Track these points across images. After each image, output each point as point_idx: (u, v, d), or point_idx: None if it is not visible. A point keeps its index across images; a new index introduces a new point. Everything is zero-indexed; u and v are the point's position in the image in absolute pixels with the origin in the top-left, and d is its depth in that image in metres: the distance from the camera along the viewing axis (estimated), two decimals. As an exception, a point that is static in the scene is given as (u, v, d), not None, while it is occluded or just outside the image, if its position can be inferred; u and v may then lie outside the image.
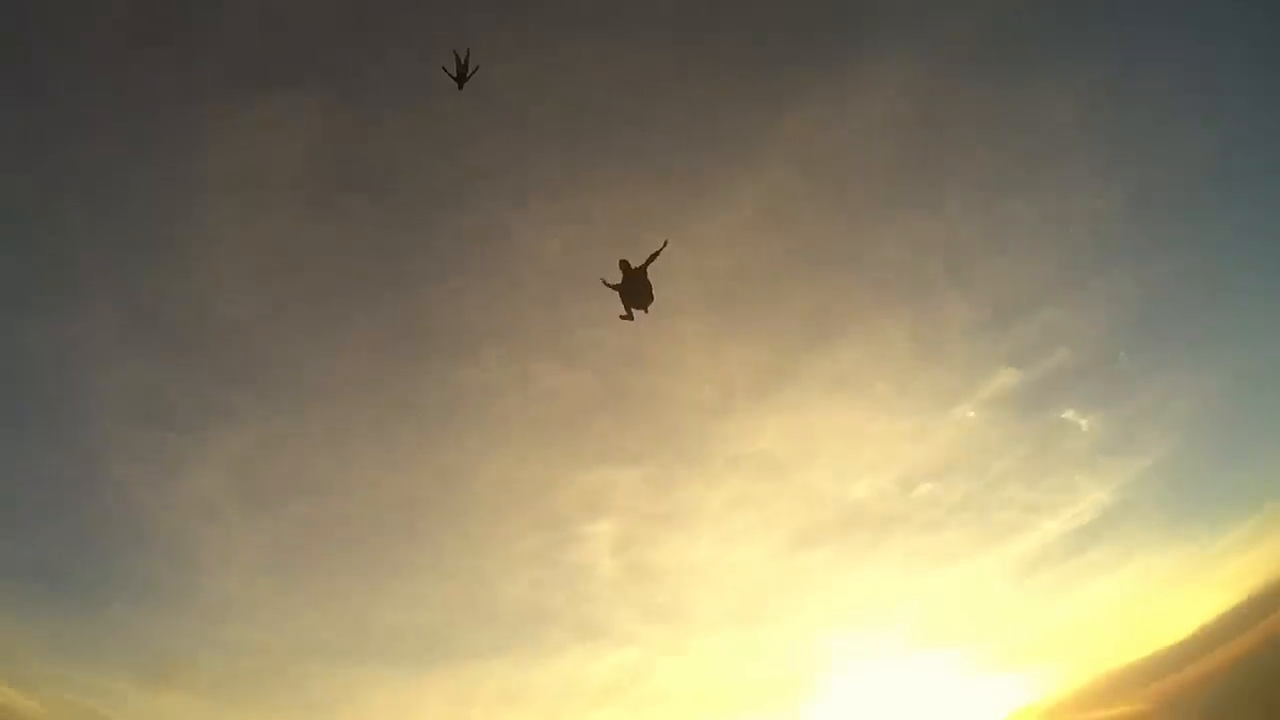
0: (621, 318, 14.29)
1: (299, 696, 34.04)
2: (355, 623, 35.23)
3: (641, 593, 36.39)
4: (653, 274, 13.90)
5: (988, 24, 30.44)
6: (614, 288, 14.12)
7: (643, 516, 36.26)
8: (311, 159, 30.97)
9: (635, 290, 13.90)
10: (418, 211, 32.41)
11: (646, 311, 14.19)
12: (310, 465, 34.95)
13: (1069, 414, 34.68)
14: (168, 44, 27.41)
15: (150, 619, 32.57)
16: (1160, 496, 34.85)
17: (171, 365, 32.61)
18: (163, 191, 29.25)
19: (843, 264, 34.61)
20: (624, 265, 13.82)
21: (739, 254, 32.94)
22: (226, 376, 33.04)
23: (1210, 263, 33.90)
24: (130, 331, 31.72)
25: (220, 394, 33.33)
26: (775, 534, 36.22)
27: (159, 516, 33.02)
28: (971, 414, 34.99)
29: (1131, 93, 31.82)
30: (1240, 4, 30.72)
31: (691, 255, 13.70)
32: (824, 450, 36.63)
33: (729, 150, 31.53)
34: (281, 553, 34.77)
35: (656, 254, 13.53)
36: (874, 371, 35.51)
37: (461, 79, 16.45)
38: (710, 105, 30.33)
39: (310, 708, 34.07)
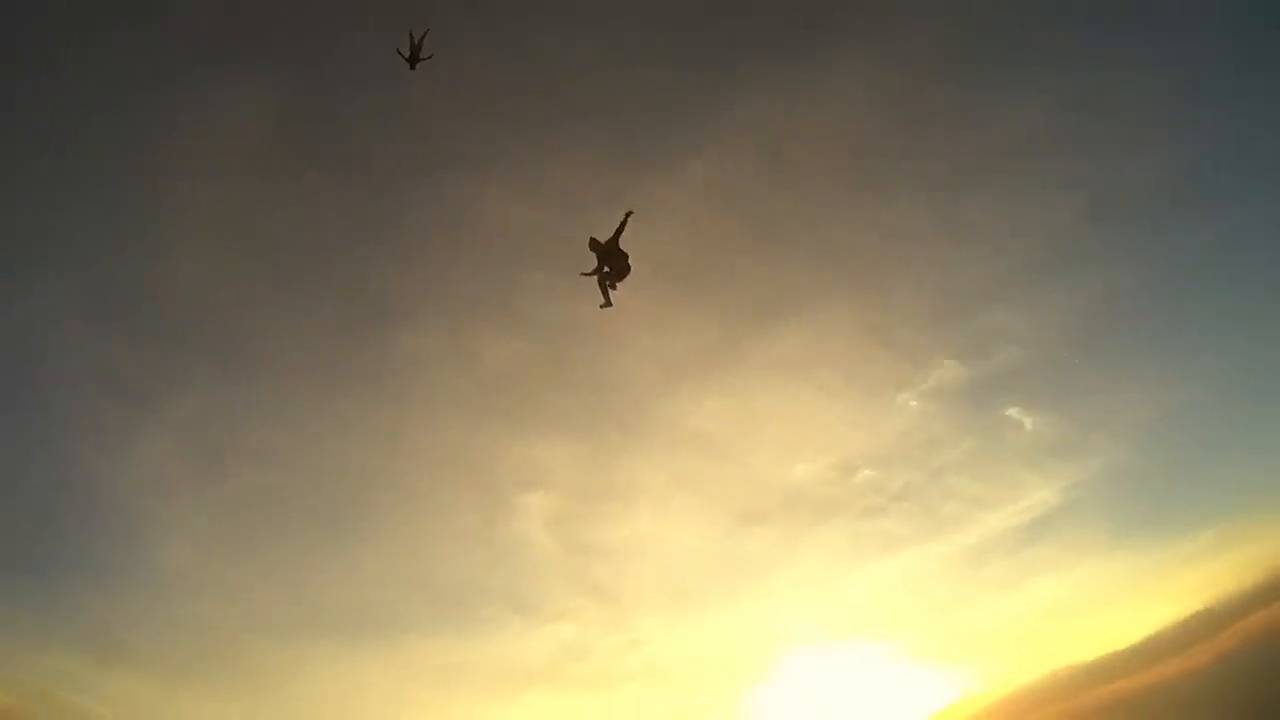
0: (602, 307, 13.98)
1: (245, 672, 33.95)
2: (298, 596, 35.15)
3: (579, 569, 36.20)
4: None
5: (958, 26, 30.95)
6: (592, 274, 13.77)
7: (581, 491, 36.23)
8: (264, 132, 30.80)
9: (612, 263, 13.61)
10: (368, 183, 32.22)
11: (620, 281, 13.89)
12: (258, 433, 34.74)
13: (1013, 411, 34.91)
14: (128, 17, 27.36)
15: (100, 595, 32.35)
16: (1108, 502, 35.16)
17: (122, 334, 32.51)
18: (116, 163, 29.23)
19: (793, 247, 34.61)
20: (594, 242, 13.50)
21: (690, 230, 32.55)
22: (177, 345, 32.97)
23: (1168, 276, 34.70)
24: (81, 301, 31.53)
25: (170, 362, 33.14)
26: (714, 514, 36.31)
27: (109, 488, 32.82)
28: (915, 404, 35.02)
29: (1099, 104, 32.10)
30: (1208, 21, 31.13)
31: (641, 229, 13.21)
32: (766, 432, 36.61)
33: (685, 127, 31.62)
34: (229, 524, 34.38)
35: (623, 224, 13.18)
36: (819, 355, 35.62)
37: (414, 60, 16.23)
38: (668, 83, 30.46)
39: (256, 683, 33.98)
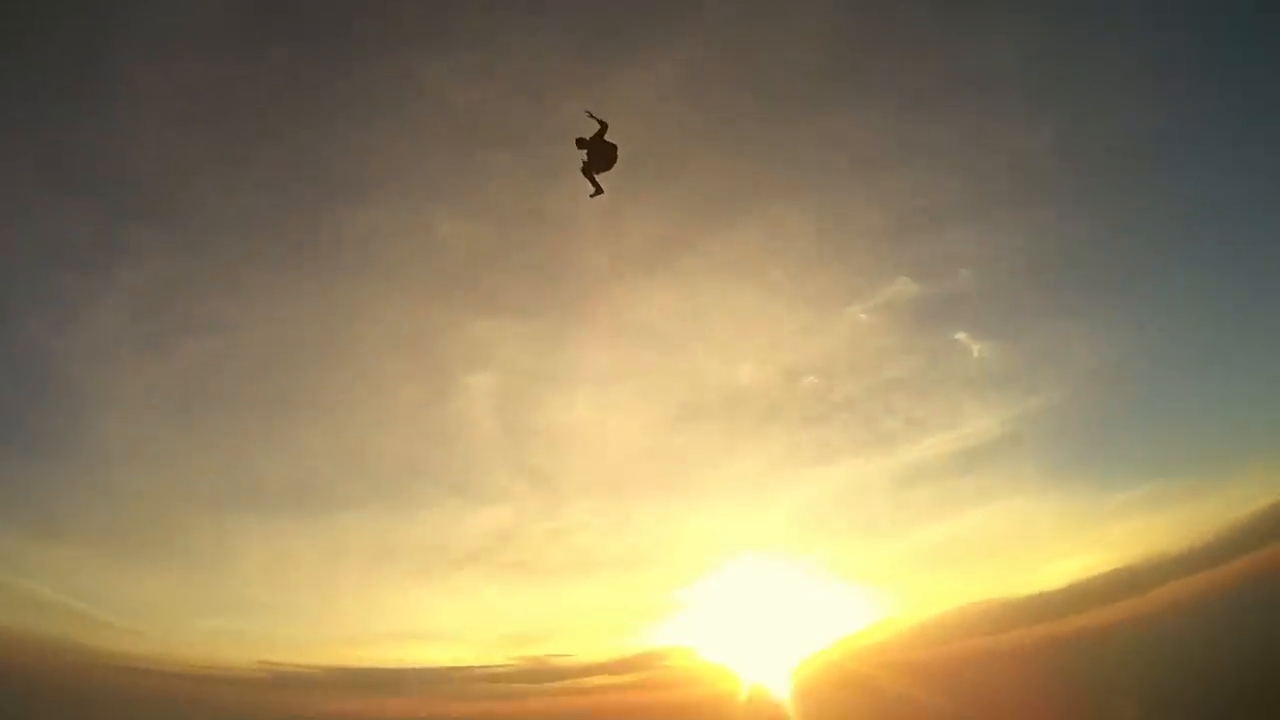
0: (593, 196, 13.73)
1: (182, 545, 34.98)
2: (238, 469, 35.99)
3: (518, 453, 36.59)
4: (567, 134, 13.46)
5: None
6: (587, 144, 13.32)
7: (526, 374, 36.27)
8: (221, 6, 30.01)
9: (601, 152, 13.34)
10: (327, 59, 31.78)
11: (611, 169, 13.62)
12: (205, 305, 34.86)
13: (962, 336, 34.87)
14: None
15: (40, 471, 33.06)
16: (1048, 441, 35.76)
17: (73, 203, 32.21)
18: (69, 34, 28.41)
19: (754, 151, 33.98)
20: (580, 141, 13.27)
21: (651, 123, 31.43)
22: (128, 215, 32.92)
23: (1127, 225, 34.52)
24: (33, 170, 31.10)
25: (121, 232, 33.07)
26: (655, 407, 36.96)
27: (53, 360, 33.04)
28: (864, 317, 35.08)
29: (1074, 43, 31.66)
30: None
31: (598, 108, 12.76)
32: (713, 330, 36.72)
33: (655, 24, 30.74)
34: (172, 397, 34.74)
35: (603, 128, 12.99)
36: (772, 259, 35.50)
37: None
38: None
39: (193, 556, 35.06)
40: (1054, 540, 34.44)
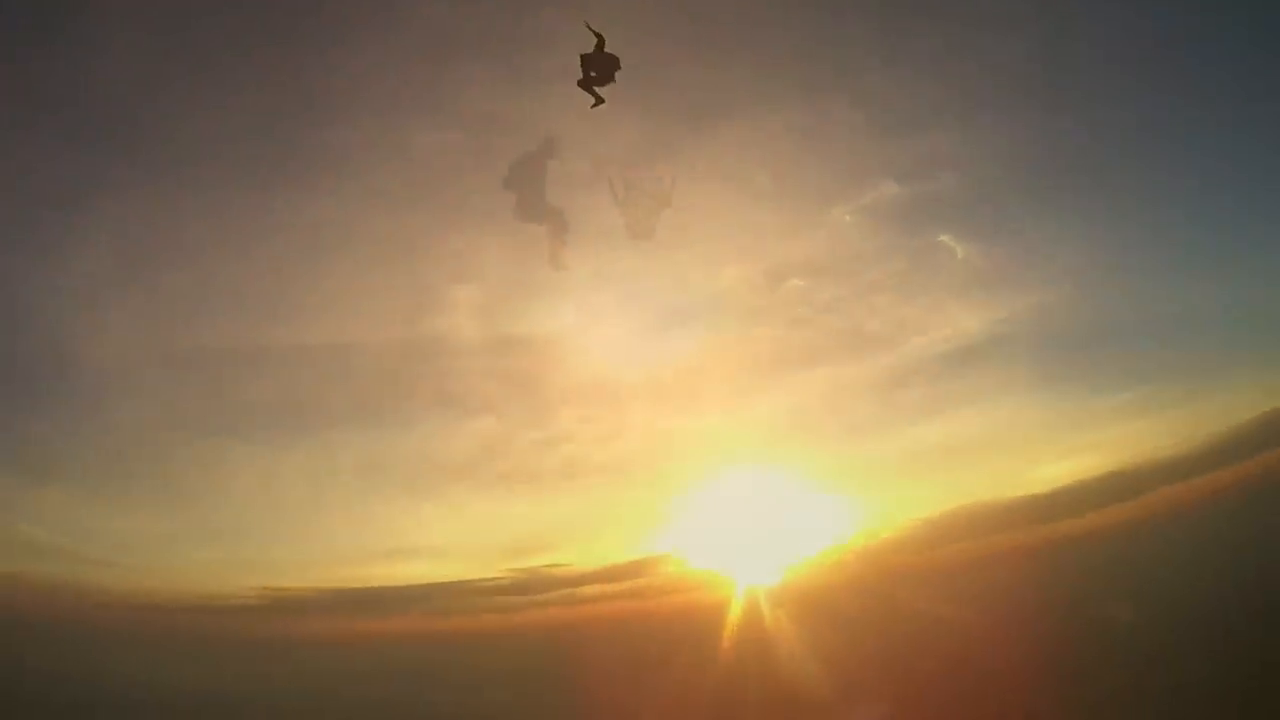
0: (594, 107, 13.27)
1: (171, 477, 35.22)
2: (222, 395, 35.33)
3: (503, 363, 35.93)
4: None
5: None
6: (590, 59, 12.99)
7: (509, 284, 34.97)
8: None
9: (602, 65, 12.97)
10: None
11: (615, 80, 13.30)
12: (185, 231, 33.24)
13: (946, 238, 34.58)
14: None
15: (29, 411, 33.12)
16: (1039, 342, 36.13)
17: (46, 137, 30.54)
18: None
19: (734, 52, 31.83)
20: (584, 58, 12.91)
21: (630, 27, 29.14)
22: (103, 145, 31.02)
23: (1115, 130, 33.89)
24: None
25: (97, 163, 31.56)
26: (640, 313, 35.75)
27: (34, 300, 32.05)
28: (849, 219, 34.48)
29: None
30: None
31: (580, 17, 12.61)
32: (695, 233, 36.12)
33: None
34: (155, 326, 33.76)
35: (600, 41, 12.72)
36: (754, 161, 34.10)
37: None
38: None
39: (184, 487, 35.46)
40: (1044, 443, 34.93)
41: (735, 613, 34.74)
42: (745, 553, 36.39)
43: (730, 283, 35.35)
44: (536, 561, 36.74)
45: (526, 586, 36.44)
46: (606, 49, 12.44)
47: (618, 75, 12.95)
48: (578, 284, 34.88)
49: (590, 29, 12.37)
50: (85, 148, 31.02)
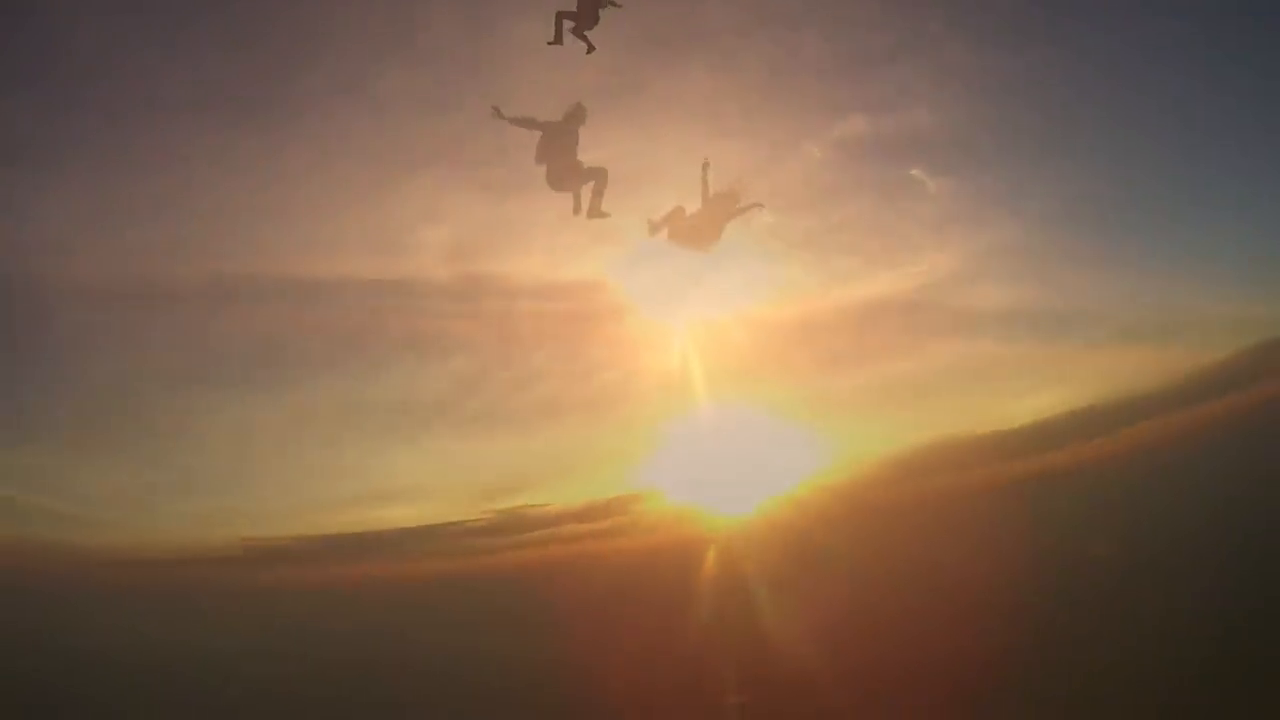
0: (550, 43, 10.47)
1: (148, 430, 35.87)
2: (193, 346, 35.33)
3: (474, 304, 36.19)
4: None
5: None
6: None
7: (478, 225, 35.24)
8: None
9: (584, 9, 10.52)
10: None
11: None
12: (150, 182, 32.70)
13: (917, 172, 34.46)
14: None
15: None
16: (1013, 278, 37.07)
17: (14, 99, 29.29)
18: None
19: None
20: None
21: None
22: (63, 103, 30.30)
23: (1089, 66, 34.46)
24: None
25: (59, 122, 30.17)
26: (607, 250, 36.11)
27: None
28: (818, 154, 34.38)
29: None
30: None
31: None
32: (664, 170, 35.20)
33: None
34: (125, 279, 32.88)
35: None
36: (723, 96, 34.03)
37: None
38: None
39: (159, 440, 36.31)
40: (1018, 378, 35.21)
41: (714, 548, 35.14)
42: (723, 488, 36.64)
43: None
44: (514, 502, 37.18)
45: (505, 527, 36.86)
46: None
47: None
48: (548, 223, 34.44)
49: None
50: (47, 110, 30.24)
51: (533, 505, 37.29)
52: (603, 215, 9.80)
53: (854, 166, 35.61)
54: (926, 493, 33.82)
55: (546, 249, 34.92)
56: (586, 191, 9.90)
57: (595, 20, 10.35)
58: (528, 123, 9.46)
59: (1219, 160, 36.22)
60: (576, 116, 9.59)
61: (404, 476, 38.29)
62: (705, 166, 10.02)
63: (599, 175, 9.69)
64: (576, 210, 9.96)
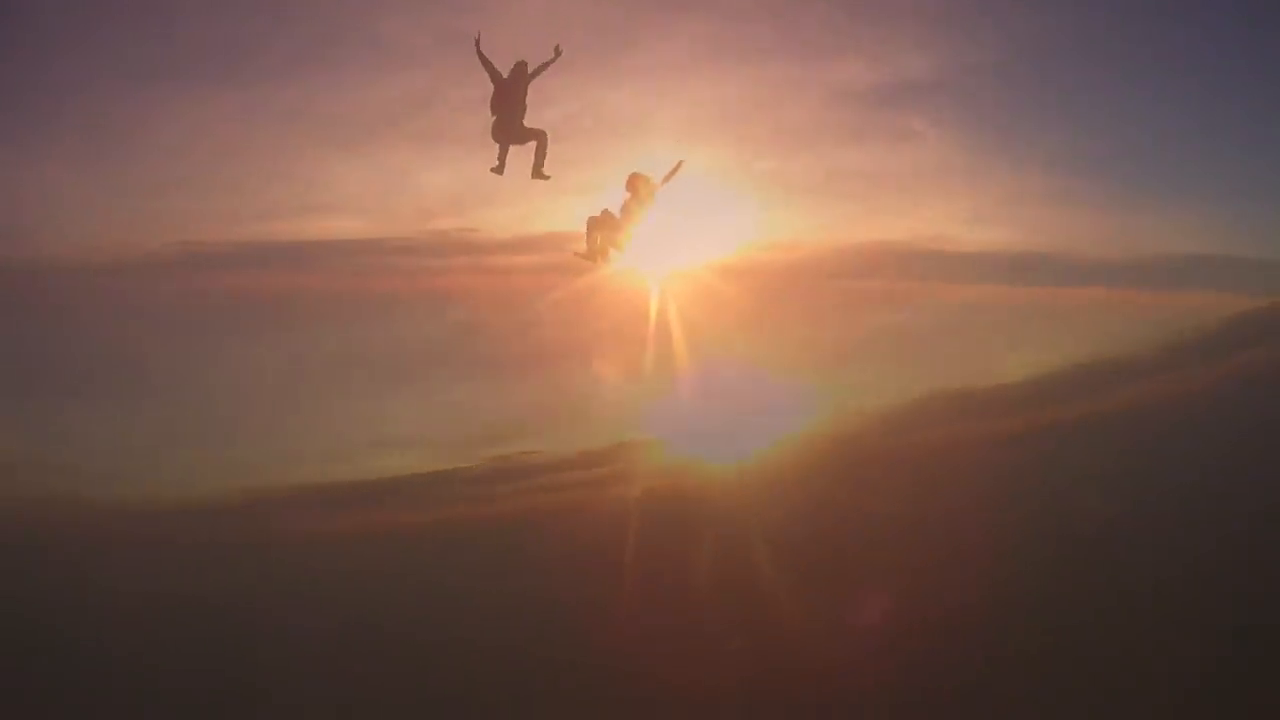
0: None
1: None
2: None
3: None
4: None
5: None
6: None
7: (468, 180, 35.76)
8: None
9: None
10: None
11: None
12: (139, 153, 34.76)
13: (918, 123, 36.36)
14: None
15: None
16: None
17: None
18: None
19: None
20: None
21: None
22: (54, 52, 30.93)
23: (1093, 26, 34.93)
24: None
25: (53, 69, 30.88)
26: (603, 199, 35.63)
27: None
28: (821, 100, 36.05)
29: None
30: None
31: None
32: (668, 112, 36.06)
33: None
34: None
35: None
36: (723, 43, 35.99)
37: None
38: None
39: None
40: (1013, 335, 35.23)
41: (709, 497, 35.58)
42: (719, 438, 36.67)
43: (702, 162, 34.57)
44: (513, 449, 37.20)
45: (502, 475, 37.05)
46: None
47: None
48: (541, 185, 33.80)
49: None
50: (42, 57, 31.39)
51: (529, 452, 37.41)
52: (544, 177, 9.48)
53: (855, 114, 36.65)
54: (920, 445, 34.18)
55: (540, 199, 34.42)
56: (529, 152, 9.53)
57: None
58: (489, 68, 9.07)
59: (1245, 137, 36.06)
60: (518, 75, 9.05)
61: (401, 425, 38.23)
62: (678, 165, 9.53)
63: (540, 137, 9.37)
64: (497, 170, 9.48)
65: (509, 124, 9.22)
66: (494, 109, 9.23)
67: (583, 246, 9.59)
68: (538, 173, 9.51)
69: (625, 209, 9.46)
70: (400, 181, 37.64)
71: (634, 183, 9.41)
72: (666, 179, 9.47)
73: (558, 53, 8.85)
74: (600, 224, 9.46)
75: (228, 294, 34.74)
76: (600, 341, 38.84)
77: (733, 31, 33.16)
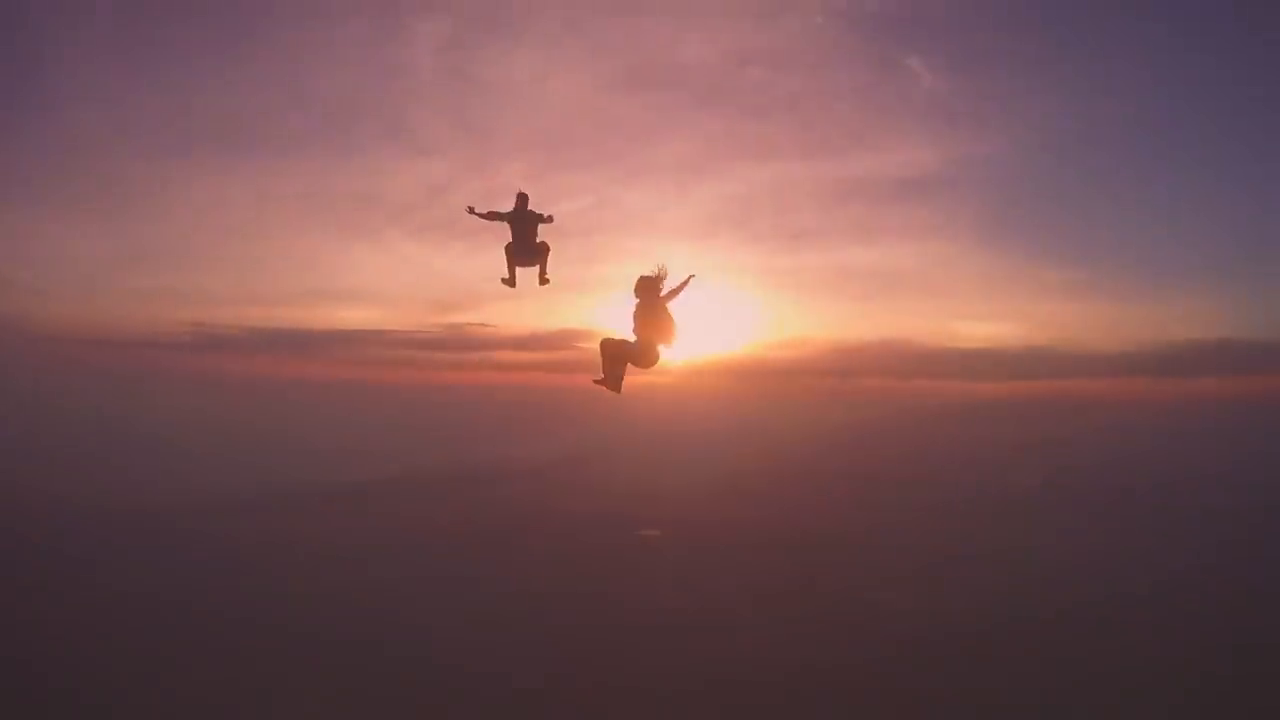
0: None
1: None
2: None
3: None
4: None
5: None
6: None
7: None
8: None
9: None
10: None
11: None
12: None
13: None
14: None
15: None
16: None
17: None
18: None
19: None
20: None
21: None
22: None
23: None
24: None
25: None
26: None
27: None
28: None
29: None
30: None
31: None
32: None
33: None
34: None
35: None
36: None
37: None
38: None
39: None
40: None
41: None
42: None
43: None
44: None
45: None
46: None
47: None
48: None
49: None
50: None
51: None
52: (547, 282, 10.77)
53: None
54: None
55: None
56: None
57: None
58: (494, 218, 10.40)
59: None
60: (521, 205, 10.37)
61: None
62: (688, 280, 9.72)
63: (544, 249, 10.63)
64: (509, 283, 10.68)
65: (522, 242, 10.41)
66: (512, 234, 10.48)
67: (599, 374, 9.75)
68: (543, 279, 10.75)
69: (635, 314, 9.66)
70: (411, 273, 35.00)
71: (639, 288, 9.66)
72: (675, 293, 9.64)
73: (548, 219, 10.30)
74: (613, 353, 9.63)
75: (242, 378, 33.02)
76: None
77: (746, 129, 29.82)
